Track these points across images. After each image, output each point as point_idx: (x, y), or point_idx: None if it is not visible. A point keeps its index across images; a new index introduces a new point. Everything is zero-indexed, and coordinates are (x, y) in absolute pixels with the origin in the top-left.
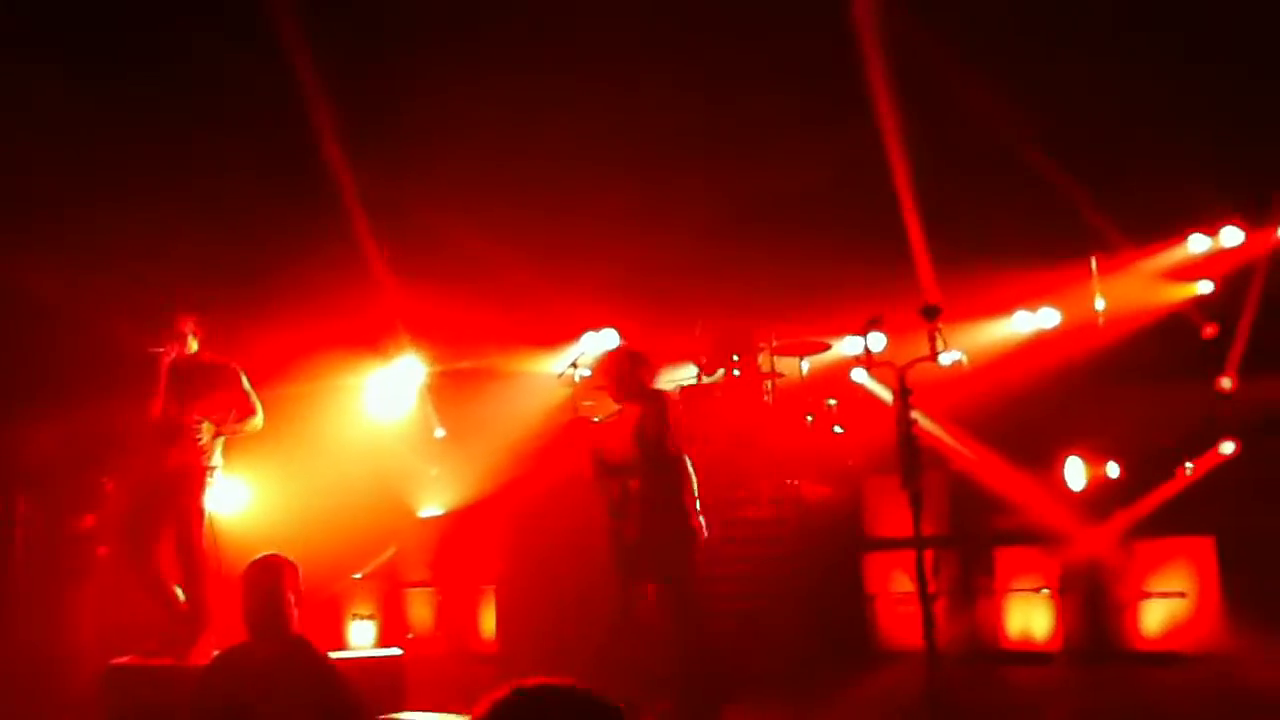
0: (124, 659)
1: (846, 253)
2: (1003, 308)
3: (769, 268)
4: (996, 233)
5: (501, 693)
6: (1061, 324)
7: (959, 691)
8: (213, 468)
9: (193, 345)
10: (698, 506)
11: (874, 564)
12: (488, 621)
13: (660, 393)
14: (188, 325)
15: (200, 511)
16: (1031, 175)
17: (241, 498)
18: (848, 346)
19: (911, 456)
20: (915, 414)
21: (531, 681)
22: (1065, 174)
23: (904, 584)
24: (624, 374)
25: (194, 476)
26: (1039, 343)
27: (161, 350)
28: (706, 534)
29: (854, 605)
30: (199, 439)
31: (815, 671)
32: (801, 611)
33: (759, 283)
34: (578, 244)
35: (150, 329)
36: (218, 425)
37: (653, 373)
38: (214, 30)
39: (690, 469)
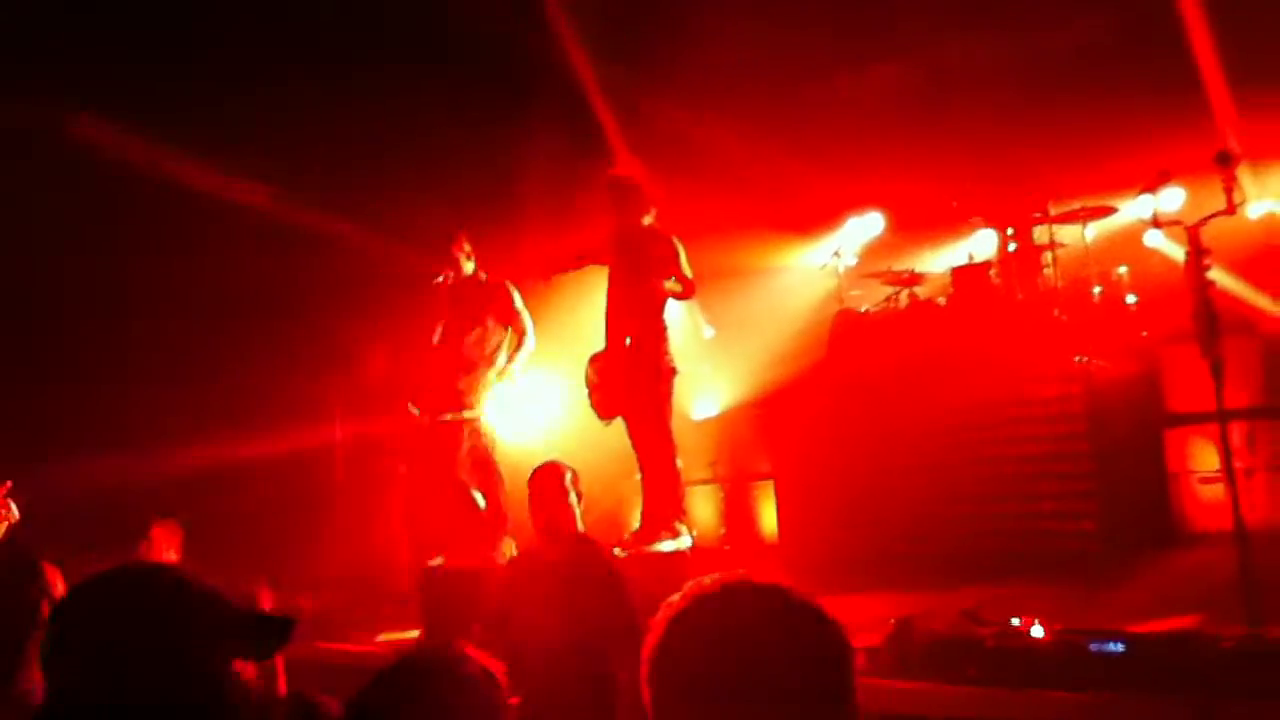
0: (436, 561)
1: (1129, 98)
2: None
3: (1043, 128)
4: None
5: (709, 585)
6: None
7: (1276, 574)
8: (497, 383)
9: (468, 267)
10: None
11: (1176, 441)
12: (768, 517)
13: (663, 234)
14: (460, 248)
15: (491, 425)
16: None
17: (532, 410)
18: (1137, 208)
19: (1209, 323)
20: (1214, 274)
21: (731, 578)
22: None
23: (1211, 461)
24: (615, 198)
25: (480, 392)
26: None
27: (441, 278)
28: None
29: (1154, 485)
30: (481, 357)
31: (1113, 555)
32: (1096, 493)
33: (1033, 146)
34: (833, 124)
35: (432, 256)
36: (495, 342)
37: (643, 204)
38: None
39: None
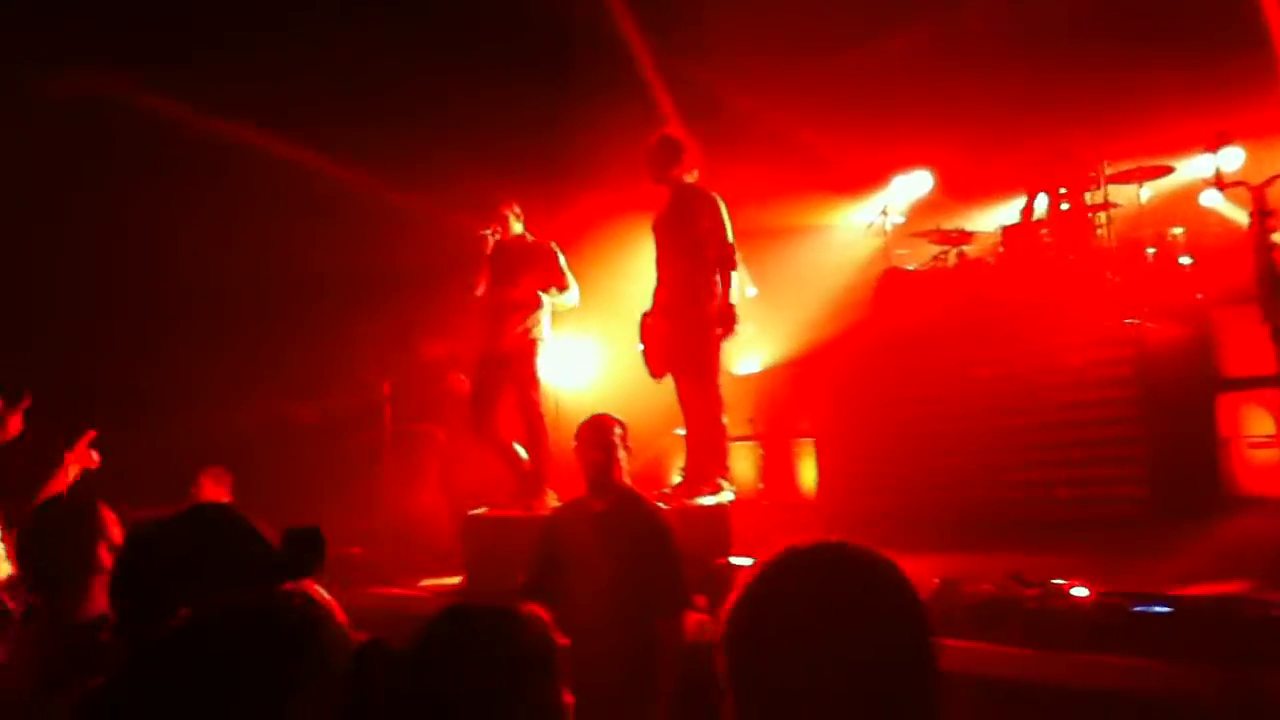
0: (479, 511)
1: (1186, 55)
2: None
3: (1095, 84)
4: None
5: (778, 551)
6: None
7: None
8: (543, 339)
9: (516, 227)
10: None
11: (1228, 405)
12: (808, 474)
13: (708, 193)
14: (510, 208)
15: (535, 379)
16: None
17: (581, 364)
18: (1194, 168)
19: (1272, 285)
20: (1277, 236)
21: (807, 542)
22: None
23: (1263, 426)
24: (658, 158)
25: (527, 348)
26: None
27: (488, 232)
28: (733, 333)
29: (1206, 451)
30: (528, 313)
31: (1162, 520)
32: (1146, 455)
33: (1086, 102)
34: (879, 83)
35: (479, 214)
36: (538, 300)
37: (687, 163)
38: None
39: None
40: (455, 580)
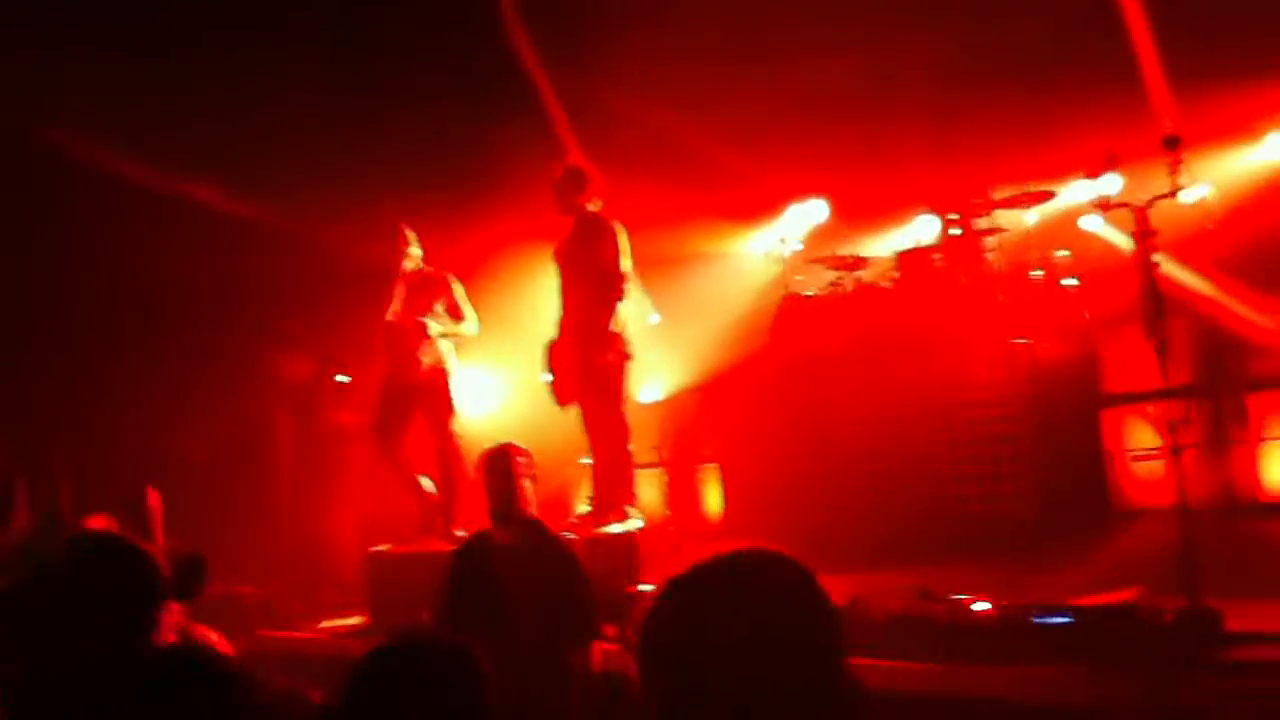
0: (381, 546)
1: (1068, 85)
2: (1251, 132)
3: (983, 113)
4: (1241, 44)
5: (680, 569)
6: None
7: (1213, 549)
8: (453, 368)
9: (416, 252)
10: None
11: (1112, 421)
12: (714, 499)
13: (610, 222)
14: (410, 239)
15: (450, 408)
16: None
17: (482, 395)
18: (1077, 192)
19: (1156, 303)
20: (1158, 257)
21: (741, 547)
22: None
23: (1145, 439)
24: (562, 188)
25: (438, 377)
26: None
27: (410, 256)
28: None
29: (1091, 465)
30: (435, 342)
31: (1053, 533)
32: (1036, 472)
33: (976, 133)
34: (776, 111)
35: (384, 244)
36: (440, 329)
37: (592, 189)
38: None
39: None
40: (356, 620)
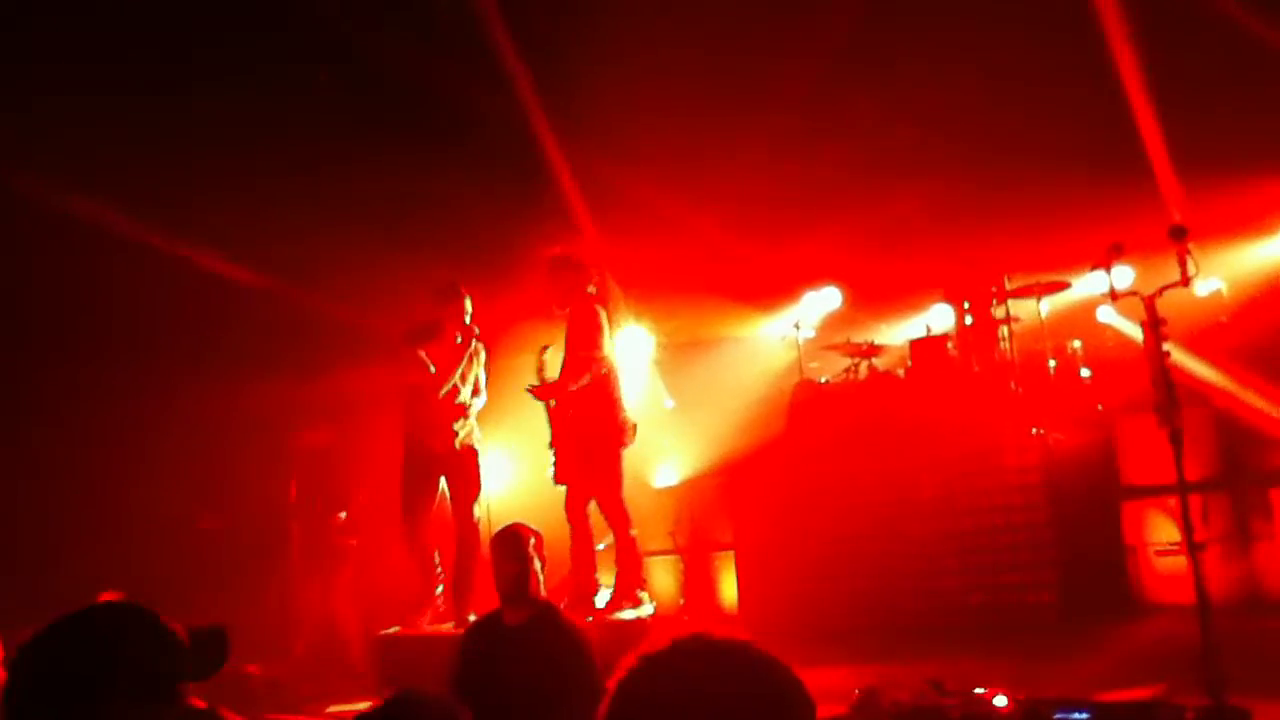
0: (390, 629)
1: (1080, 178)
2: (1265, 226)
3: (998, 205)
4: (1251, 140)
5: (661, 643)
6: None
7: (1237, 647)
8: (479, 443)
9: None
10: (623, 412)
11: (1132, 513)
12: (729, 587)
13: (588, 298)
14: (466, 301)
15: (477, 485)
16: None
17: (504, 474)
18: (1089, 283)
19: (1168, 391)
20: (1169, 345)
21: (694, 635)
22: None
23: (1167, 533)
24: (554, 280)
25: (467, 453)
26: None
27: (451, 321)
28: (632, 439)
29: (1113, 557)
30: (467, 414)
31: (1072, 628)
32: (1054, 565)
33: (988, 223)
34: (792, 198)
35: (435, 303)
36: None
37: (585, 276)
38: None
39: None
40: (365, 705)
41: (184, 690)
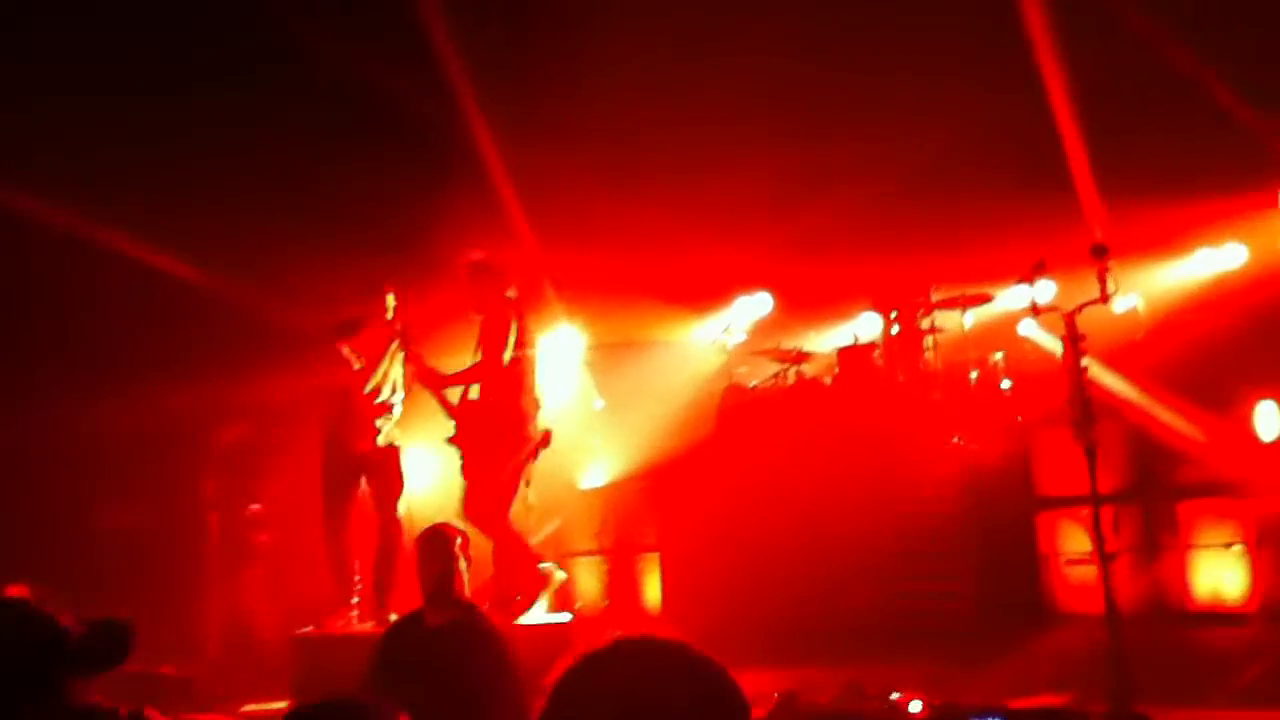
0: (305, 630)
1: (1006, 194)
2: (1182, 246)
3: (926, 217)
4: (1171, 161)
5: (602, 643)
6: (1249, 261)
7: (1143, 655)
8: (401, 442)
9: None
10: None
11: (1046, 523)
12: (653, 588)
13: (505, 303)
14: (389, 302)
15: (400, 485)
16: (1209, 98)
17: (427, 473)
18: (1012, 297)
19: (1084, 406)
20: (1087, 361)
21: (636, 636)
22: (1246, 97)
23: (1080, 543)
24: (473, 285)
25: (390, 453)
26: (1224, 282)
27: (375, 322)
28: (539, 440)
29: (1027, 566)
30: (390, 414)
31: (986, 635)
32: (971, 573)
33: (917, 234)
34: (724, 206)
35: (358, 304)
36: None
37: (503, 281)
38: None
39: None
40: (281, 705)
41: (71, 685)
